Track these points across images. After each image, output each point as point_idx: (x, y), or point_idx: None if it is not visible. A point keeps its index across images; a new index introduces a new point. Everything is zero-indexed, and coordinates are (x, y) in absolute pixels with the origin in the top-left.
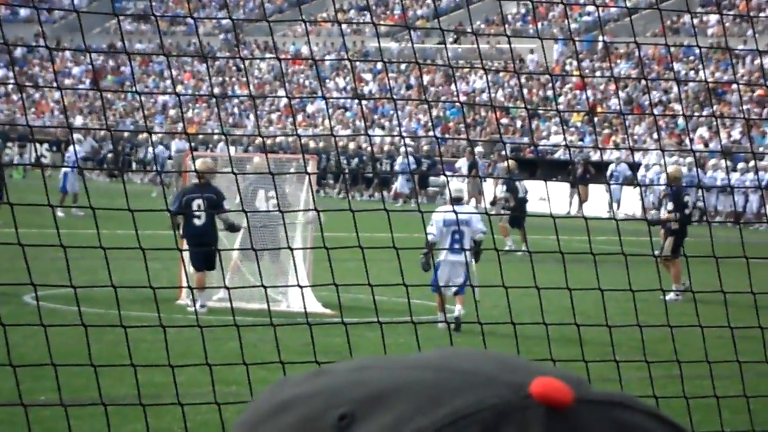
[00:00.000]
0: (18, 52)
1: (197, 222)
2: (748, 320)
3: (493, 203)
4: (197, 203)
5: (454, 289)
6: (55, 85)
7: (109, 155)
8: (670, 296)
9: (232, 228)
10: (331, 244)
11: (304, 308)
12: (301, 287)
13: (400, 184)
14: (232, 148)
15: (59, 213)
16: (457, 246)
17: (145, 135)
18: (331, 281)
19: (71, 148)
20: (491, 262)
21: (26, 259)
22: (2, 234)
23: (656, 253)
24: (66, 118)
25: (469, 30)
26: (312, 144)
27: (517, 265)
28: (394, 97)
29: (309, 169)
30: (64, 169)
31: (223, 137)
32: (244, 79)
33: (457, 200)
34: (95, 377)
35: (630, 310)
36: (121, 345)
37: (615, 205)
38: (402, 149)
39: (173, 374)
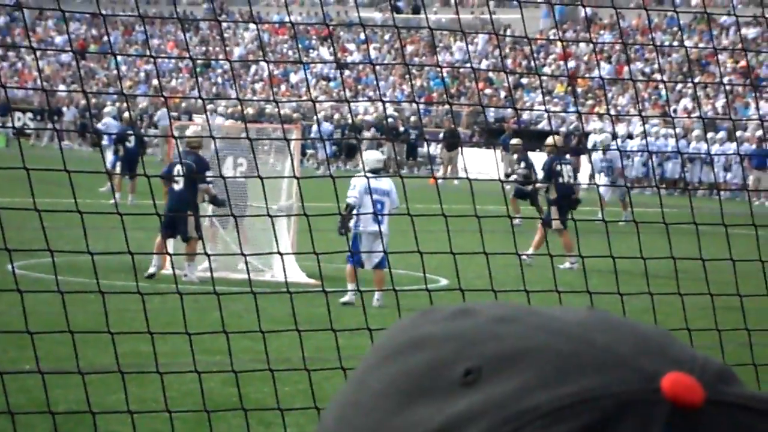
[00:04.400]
0: (0, 20)
1: (176, 187)
2: (728, 290)
3: (507, 176)
4: (177, 169)
5: (375, 261)
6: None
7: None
8: (565, 265)
9: (215, 202)
10: (313, 215)
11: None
12: (281, 254)
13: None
14: (219, 119)
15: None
16: (380, 216)
17: (127, 104)
18: (312, 252)
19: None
20: (474, 233)
21: (2, 226)
22: None
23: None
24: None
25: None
26: (296, 115)
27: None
28: (374, 63)
29: (293, 139)
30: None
31: (206, 106)
32: (228, 48)
33: (376, 171)
34: (80, 346)
35: (612, 281)
36: (106, 314)
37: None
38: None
39: (152, 343)
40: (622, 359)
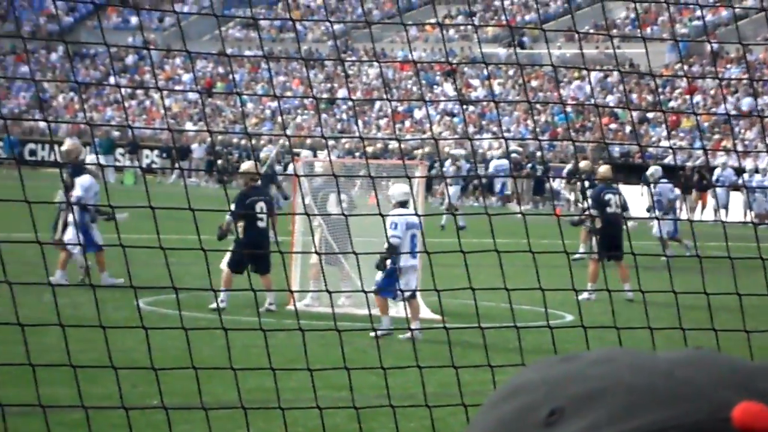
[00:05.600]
0: (129, 59)
1: (260, 225)
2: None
3: (576, 224)
4: (260, 206)
5: (408, 294)
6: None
7: (218, 161)
8: (584, 296)
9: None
10: (438, 251)
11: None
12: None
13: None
14: (335, 154)
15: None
16: (415, 250)
17: (252, 142)
18: (439, 287)
19: None
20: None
21: (127, 263)
22: (112, 239)
23: (576, 255)
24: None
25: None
26: (419, 151)
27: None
28: (496, 100)
29: (418, 175)
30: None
31: (328, 143)
32: (352, 84)
33: (403, 204)
34: (205, 381)
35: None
36: (232, 350)
37: (723, 211)
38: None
39: (275, 379)
40: (698, 391)
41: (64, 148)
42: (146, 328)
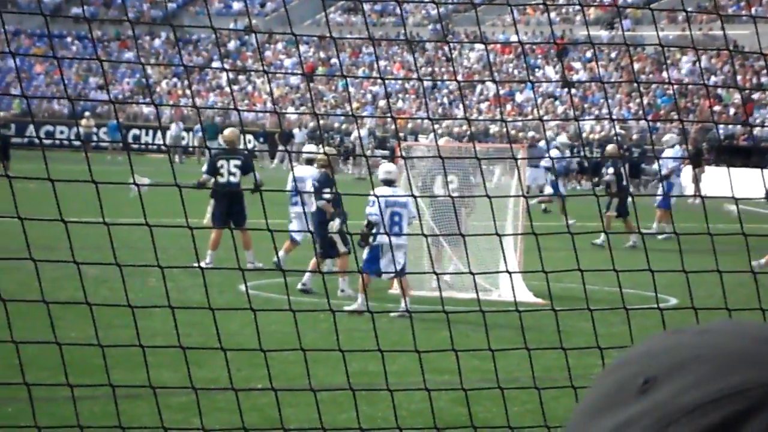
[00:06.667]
0: (231, 44)
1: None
2: None
3: (597, 184)
4: (326, 189)
5: (398, 269)
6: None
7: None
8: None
9: (333, 217)
10: (543, 233)
11: (514, 296)
12: (510, 273)
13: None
14: (444, 139)
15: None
16: (396, 228)
17: (353, 126)
18: (541, 270)
19: None
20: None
21: (235, 247)
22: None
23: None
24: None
25: (680, 17)
26: (521, 134)
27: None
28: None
29: (519, 158)
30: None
31: (434, 126)
32: (453, 68)
33: (389, 182)
34: (310, 365)
35: None
36: (337, 333)
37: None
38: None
39: (383, 361)
40: None
41: (224, 134)
42: (255, 310)
